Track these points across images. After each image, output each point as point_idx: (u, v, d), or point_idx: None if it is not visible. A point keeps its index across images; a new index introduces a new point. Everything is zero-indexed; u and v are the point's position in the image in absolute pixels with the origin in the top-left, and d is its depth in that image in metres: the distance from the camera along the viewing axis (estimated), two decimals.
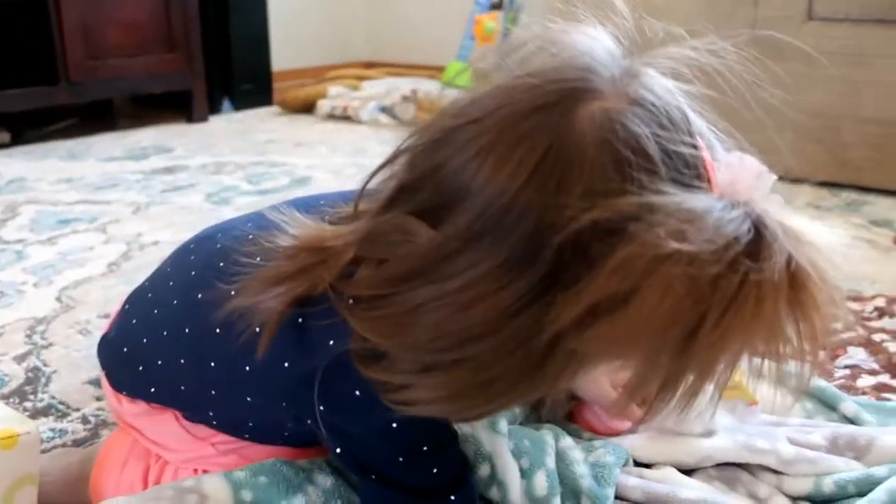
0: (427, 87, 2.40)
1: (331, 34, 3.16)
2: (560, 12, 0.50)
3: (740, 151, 0.45)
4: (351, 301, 0.47)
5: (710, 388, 0.42)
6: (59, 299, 1.10)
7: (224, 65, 2.51)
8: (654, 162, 0.42)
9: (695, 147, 0.44)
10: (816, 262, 0.40)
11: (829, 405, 0.78)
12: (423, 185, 0.46)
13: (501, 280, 0.42)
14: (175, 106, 2.39)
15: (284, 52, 2.88)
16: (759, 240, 0.39)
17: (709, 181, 0.43)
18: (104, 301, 1.09)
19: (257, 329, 0.51)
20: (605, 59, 0.45)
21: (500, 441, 0.58)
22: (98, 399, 0.83)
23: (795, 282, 0.39)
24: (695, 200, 0.40)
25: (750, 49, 0.49)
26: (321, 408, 0.52)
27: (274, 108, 2.62)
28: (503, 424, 0.59)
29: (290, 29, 2.94)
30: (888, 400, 0.82)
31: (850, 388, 0.84)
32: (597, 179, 0.41)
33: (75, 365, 0.91)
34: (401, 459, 0.52)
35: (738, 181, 0.42)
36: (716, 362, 0.41)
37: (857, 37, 1.58)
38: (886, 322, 1.02)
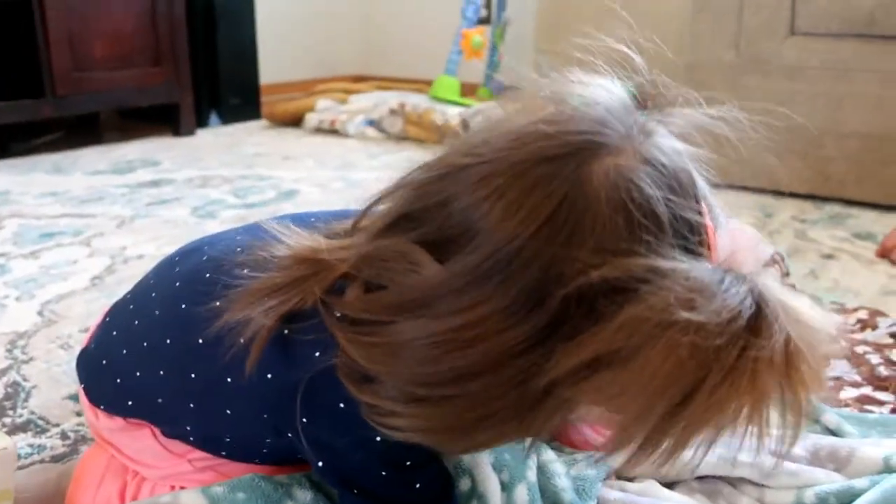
0: (415, 100, 2.41)
1: (320, 48, 3.17)
2: (578, 62, 0.51)
3: (739, 221, 0.47)
4: (339, 317, 0.47)
5: (695, 443, 0.43)
6: (40, 313, 1.09)
7: (212, 78, 2.51)
8: (662, 225, 0.43)
9: (699, 213, 0.45)
10: (811, 343, 0.41)
11: (810, 417, 0.78)
12: (429, 217, 0.46)
13: (505, 322, 0.43)
14: (162, 119, 2.39)
15: (273, 66, 2.88)
16: (761, 316, 0.41)
17: (709, 248, 0.45)
18: (86, 315, 1.08)
19: (243, 342, 0.50)
20: (620, 114, 0.46)
21: (480, 455, 0.58)
22: (78, 414, 0.82)
23: (791, 361, 0.41)
24: (701, 269, 0.42)
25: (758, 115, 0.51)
26: (304, 420, 0.51)
27: (262, 122, 2.62)
28: None
29: (279, 42, 2.95)
30: (870, 412, 0.82)
31: (832, 400, 0.85)
32: (608, 236, 0.43)
33: (55, 380, 0.90)
34: (384, 474, 0.52)
35: (737, 252, 0.44)
36: (704, 425, 0.42)
37: (837, 51, 1.60)
38: (869, 334, 1.02)
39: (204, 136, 2.40)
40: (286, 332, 0.50)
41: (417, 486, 0.53)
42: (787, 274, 1.21)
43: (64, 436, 0.78)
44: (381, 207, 0.50)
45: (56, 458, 0.74)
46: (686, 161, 0.46)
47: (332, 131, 2.43)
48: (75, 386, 0.81)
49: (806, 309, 0.42)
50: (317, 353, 0.49)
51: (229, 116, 2.57)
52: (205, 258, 0.59)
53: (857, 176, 1.63)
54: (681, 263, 0.42)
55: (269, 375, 0.52)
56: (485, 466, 0.58)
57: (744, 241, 0.45)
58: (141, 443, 0.62)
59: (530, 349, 0.43)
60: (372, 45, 3.29)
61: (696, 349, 0.40)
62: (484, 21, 2.77)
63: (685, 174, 0.46)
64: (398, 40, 3.21)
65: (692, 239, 0.44)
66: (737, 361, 0.40)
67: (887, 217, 1.54)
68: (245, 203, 1.66)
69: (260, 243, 0.52)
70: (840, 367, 0.93)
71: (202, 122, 2.50)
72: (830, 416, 0.77)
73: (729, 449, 0.65)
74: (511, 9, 2.76)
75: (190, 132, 2.39)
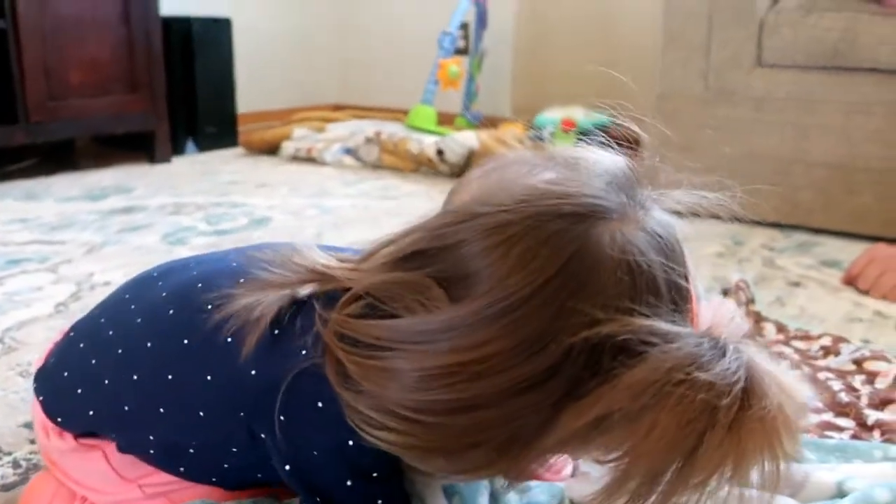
0: (391, 129, 2.42)
1: (298, 77, 3.19)
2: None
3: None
4: (341, 335, 0.49)
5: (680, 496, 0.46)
6: (1, 340, 1.08)
7: (189, 106, 2.52)
8: (660, 290, 0.47)
9: (687, 282, 0.49)
10: (793, 413, 0.45)
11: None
12: (443, 256, 0.49)
13: (510, 361, 0.45)
14: (139, 147, 2.38)
15: (251, 95, 2.89)
16: (755, 382, 0.44)
17: (694, 316, 0.49)
18: (48, 342, 1.06)
19: (229, 339, 0.53)
20: (624, 186, 0.50)
21: (430, 478, 0.58)
22: (31, 442, 0.81)
23: (777, 429, 0.44)
24: (696, 335, 0.46)
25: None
26: (281, 418, 0.52)
27: (238, 150, 2.62)
28: None
29: (257, 72, 2.96)
30: (830, 437, 0.82)
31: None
32: (614, 294, 0.46)
33: (12, 407, 0.89)
34: (349, 483, 0.52)
35: (717, 324, 0.47)
36: (695, 479, 0.44)
37: (803, 82, 1.63)
38: (832, 361, 1.03)
39: (180, 164, 2.40)
40: (276, 331, 0.52)
41: (380, 501, 0.53)
42: (751, 301, 1.22)
43: (16, 464, 0.77)
44: (391, 248, 0.52)
45: (6, 487, 0.73)
46: (676, 234, 0.50)
47: (309, 159, 2.44)
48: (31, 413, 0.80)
49: (788, 380, 0.46)
50: (303, 352, 0.51)
51: (206, 144, 2.57)
52: (195, 273, 0.61)
53: (824, 204, 1.66)
54: (680, 327, 0.46)
55: (252, 372, 0.53)
56: (436, 491, 0.57)
57: (723, 314, 0.48)
58: (91, 465, 0.61)
59: (530, 389, 0.45)
60: (350, 74, 3.31)
61: (707, 406, 0.43)
62: (461, 52, 2.80)
63: (677, 245, 0.50)
64: (376, 70, 3.24)
65: (682, 306, 0.48)
66: (735, 422, 0.43)
67: (853, 245, 1.56)
68: (216, 230, 1.66)
69: (256, 263, 0.55)
70: None
71: (179, 150, 2.50)
72: None
73: None
74: (488, 40, 2.80)
75: (165, 160, 2.38)
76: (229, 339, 0.53)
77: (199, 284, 0.58)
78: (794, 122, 1.65)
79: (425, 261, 0.50)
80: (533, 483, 0.64)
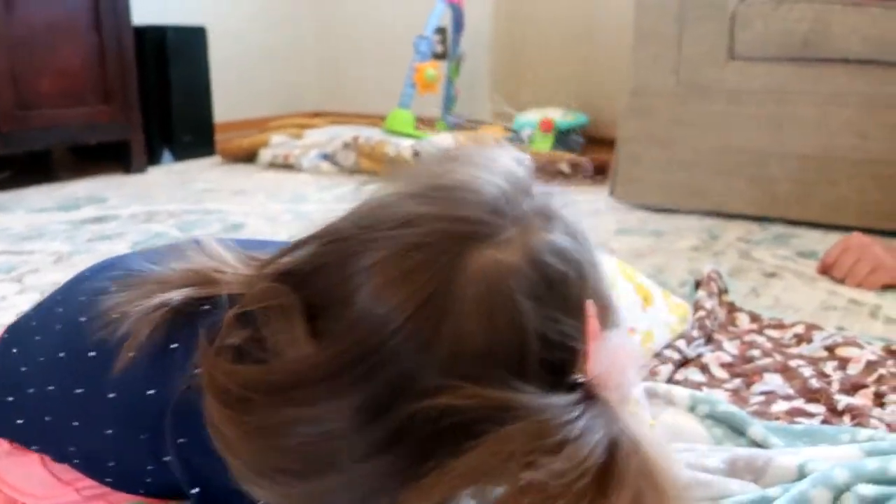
0: (368, 133, 2.41)
1: (275, 85, 3.17)
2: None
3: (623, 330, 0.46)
4: (210, 380, 0.45)
5: None
6: None
7: (164, 115, 2.49)
8: (527, 345, 0.41)
9: (577, 327, 0.43)
10: (662, 490, 0.40)
11: (737, 430, 0.76)
12: (315, 279, 0.45)
13: (352, 423, 0.42)
14: (115, 158, 2.36)
15: (228, 103, 2.87)
16: (610, 470, 0.39)
17: (584, 360, 0.43)
18: None
19: (126, 343, 0.49)
20: (517, 197, 0.45)
21: None
22: None
23: None
24: (557, 408, 0.40)
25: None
26: (180, 439, 0.49)
27: (215, 159, 2.60)
28: None
29: (234, 79, 2.94)
30: (799, 423, 0.81)
31: (763, 414, 0.83)
32: (464, 353, 0.41)
33: None
34: None
35: (610, 373, 0.42)
36: None
37: (775, 74, 1.63)
38: (805, 348, 1.01)
39: (155, 174, 2.38)
40: (172, 346, 0.49)
41: None
42: (724, 291, 1.21)
43: None
44: (286, 259, 0.48)
45: None
46: (585, 253, 0.45)
47: (287, 166, 2.42)
48: None
49: (661, 461, 0.41)
50: (196, 370, 0.47)
51: (182, 153, 2.55)
52: (115, 272, 0.57)
53: (800, 196, 1.65)
54: (536, 399, 0.40)
55: (149, 392, 0.50)
56: None
57: (622, 359, 0.42)
58: (27, 470, 0.59)
59: (372, 456, 0.42)
60: (327, 81, 3.30)
61: (551, 497, 0.38)
62: (440, 56, 2.79)
63: (574, 273, 0.44)
64: (354, 76, 3.23)
65: (559, 357, 0.42)
66: None
67: (830, 236, 1.55)
68: (188, 236, 1.64)
69: (178, 255, 0.52)
70: (773, 382, 0.92)
71: (155, 160, 2.47)
72: (756, 429, 0.75)
73: None
74: (465, 43, 2.79)
75: (141, 169, 2.36)
76: (131, 354, 0.49)
77: (114, 287, 0.54)
78: (768, 115, 1.64)
79: (301, 279, 0.46)
80: None
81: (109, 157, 2.38)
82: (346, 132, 2.46)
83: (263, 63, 3.11)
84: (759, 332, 1.08)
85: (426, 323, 0.41)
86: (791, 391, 0.90)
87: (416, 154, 2.19)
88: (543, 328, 0.42)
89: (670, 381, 0.91)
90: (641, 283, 1.02)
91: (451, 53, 2.77)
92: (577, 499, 0.38)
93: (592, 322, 0.43)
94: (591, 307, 0.44)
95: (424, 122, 2.58)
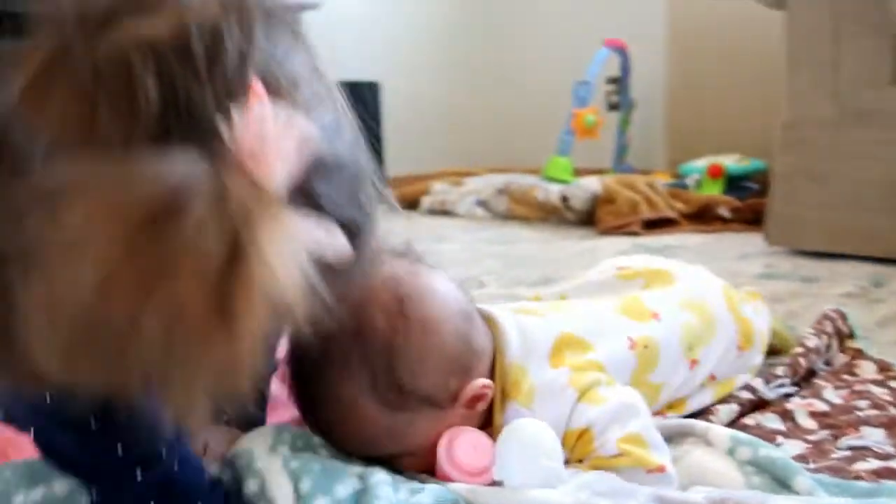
0: (523, 180, 2.40)
1: (443, 141, 3.23)
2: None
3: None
4: None
5: None
6: None
7: None
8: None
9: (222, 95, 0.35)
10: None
11: (780, 480, 0.63)
12: None
13: None
14: None
15: (398, 159, 2.98)
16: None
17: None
18: None
19: None
20: None
21: (273, 458, 0.53)
22: None
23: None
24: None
25: None
26: None
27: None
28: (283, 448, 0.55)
29: (405, 135, 3.06)
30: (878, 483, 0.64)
31: (839, 471, 0.68)
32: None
33: None
34: None
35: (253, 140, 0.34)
36: None
37: None
38: None
39: None
40: None
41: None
42: (850, 336, 1.02)
43: None
44: None
45: None
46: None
47: (444, 212, 2.47)
48: None
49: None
50: None
51: None
52: None
53: None
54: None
55: None
56: (276, 470, 0.52)
57: (272, 131, 0.35)
58: None
59: None
60: (493, 135, 3.30)
61: None
62: (614, 107, 2.73)
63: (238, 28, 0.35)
64: (515, 130, 3.19)
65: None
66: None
67: None
68: None
69: None
70: (871, 437, 0.75)
71: None
72: (803, 480, 0.61)
73: (594, 494, 0.54)
74: (637, 89, 2.70)
75: None
76: None
77: None
78: None
79: None
80: (430, 484, 0.56)
81: None
82: (502, 179, 2.47)
83: (431, 119, 3.19)
84: (883, 382, 0.89)
85: None
86: (892, 450, 0.72)
87: (564, 199, 2.14)
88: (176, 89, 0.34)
89: (733, 424, 0.77)
90: (746, 317, 0.89)
91: (624, 104, 2.70)
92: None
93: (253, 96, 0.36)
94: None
95: (592, 174, 2.51)
